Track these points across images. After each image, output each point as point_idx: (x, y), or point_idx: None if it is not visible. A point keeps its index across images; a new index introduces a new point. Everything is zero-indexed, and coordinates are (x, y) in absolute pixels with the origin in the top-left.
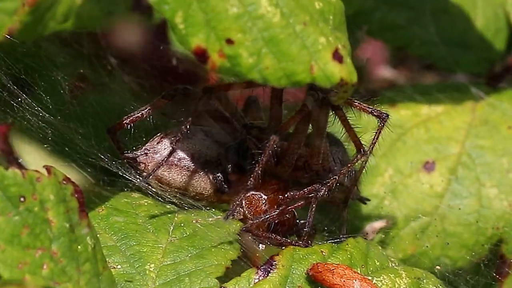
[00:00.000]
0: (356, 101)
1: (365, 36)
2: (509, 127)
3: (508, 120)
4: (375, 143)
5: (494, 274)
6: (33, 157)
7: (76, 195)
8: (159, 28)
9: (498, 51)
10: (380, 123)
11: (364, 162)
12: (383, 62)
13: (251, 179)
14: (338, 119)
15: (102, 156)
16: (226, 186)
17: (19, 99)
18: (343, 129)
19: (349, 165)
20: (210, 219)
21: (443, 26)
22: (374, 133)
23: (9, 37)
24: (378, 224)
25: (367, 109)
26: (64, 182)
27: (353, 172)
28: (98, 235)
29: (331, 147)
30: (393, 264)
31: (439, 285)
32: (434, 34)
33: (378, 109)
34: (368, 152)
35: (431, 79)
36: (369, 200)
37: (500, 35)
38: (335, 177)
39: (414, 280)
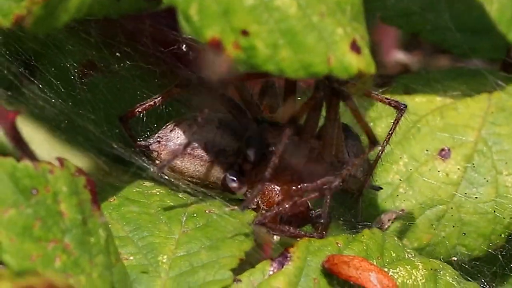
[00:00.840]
0: (373, 92)
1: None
2: None
3: None
4: (392, 133)
5: None
6: (45, 147)
7: (88, 187)
8: (168, 13)
9: None
10: (398, 114)
11: (380, 152)
12: (396, 46)
13: (269, 168)
14: (348, 110)
15: (115, 145)
16: (236, 180)
17: (31, 86)
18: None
19: (362, 156)
20: (226, 209)
21: (457, 12)
22: (392, 123)
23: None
24: (393, 213)
25: (385, 100)
26: (77, 174)
27: (367, 163)
28: (109, 226)
29: (347, 141)
30: (409, 255)
31: (456, 276)
32: (448, 20)
33: (396, 100)
34: (385, 143)
35: (445, 63)
36: (381, 188)
37: None
38: (348, 167)
39: (431, 271)
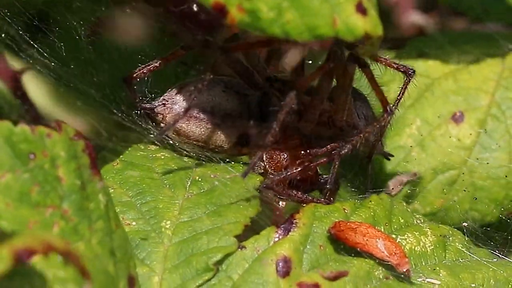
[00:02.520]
0: (381, 56)
1: None
2: None
3: None
4: (400, 99)
5: None
6: (46, 111)
7: (87, 151)
8: None
9: None
10: (406, 79)
11: (390, 118)
12: (412, 7)
13: (269, 135)
14: (364, 77)
15: (115, 110)
16: (245, 141)
17: (31, 50)
18: (369, 87)
19: (375, 124)
20: (230, 175)
21: None
22: (400, 88)
23: None
24: (405, 177)
25: (393, 64)
26: (75, 137)
27: (378, 127)
28: (112, 190)
29: (355, 102)
30: (418, 221)
31: (465, 243)
32: None
33: (404, 64)
34: (394, 108)
35: (461, 25)
36: (392, 155)
37: None
38: (360, 135)
39: (440, 237)
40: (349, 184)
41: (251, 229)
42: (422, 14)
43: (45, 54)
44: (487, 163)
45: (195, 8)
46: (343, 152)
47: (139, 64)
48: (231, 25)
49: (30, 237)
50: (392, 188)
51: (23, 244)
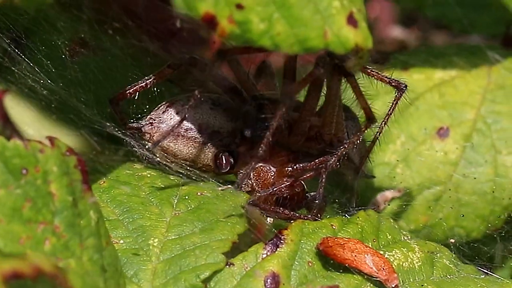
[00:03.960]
0: (373, 70)
1: None
2: None
3: None
4: (391, 114)
5: (511, 247)
6: (36, 127)
7: (79, 167)
8: None
9: None
10: (398, 94)
11: (377, 133)
12: (393, 21)
13: (261, 147)
14: (349, 86)
15: (108, 123)
16: (232, 161)
17: (21, 65)
18: (354, 96)
19: (359, 134)
20: (219, 189)
21: None
22: (390, 103)
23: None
24: (390, 193)
25: (385, 78)
26: (68, 153)
27: (364, 144)
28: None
29: (347, 121)
30: (405, 238)
31: (453, 259)
32: None
33: (396, 79)
34: (383, 123)
35: (443, 39)
36: (374, 177)
37: None
38: (345, 146)
39: (428, 254)
40: (336, 201)
41: (241, 243)
42: (403, 28)
43: (36, 69)
44: (474, 178)
45: (178, 24)
46: (329, 164)
47: (125, 85)
48: (221, 36)
49: (18, 260)
50: (379, 204)
51: (11, 267)
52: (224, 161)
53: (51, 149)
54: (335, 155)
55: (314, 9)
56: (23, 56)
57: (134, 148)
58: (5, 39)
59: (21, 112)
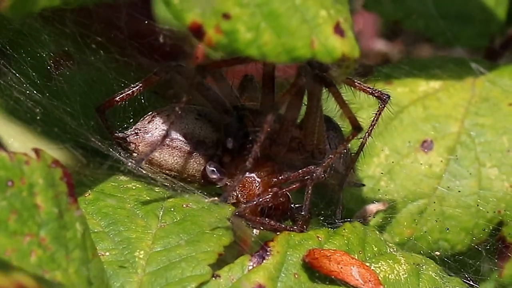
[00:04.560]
0: (356, 81)
1: (359, 7)
2: (509, 104)
3: (509, 96)
4: (374, 125)
5: (496, 260)
6: (21, 139)
7: (65, 179)
8: (144, 3)
9: (498, 24)
10: (381, 105)
11: (361, 145)
12: (376, 35)
13: (250, 157)
14: (331, 96)
15: (92, 138)
16: (216, 171)
17: (6, 77)
18: (337, 106)
19: (345, 143)
20: (206, 200)
21: None
22: (374, 114)
23: None
24: (375, 206)
25: (368, 89)
26: (53, 165)
27: (349, 155)
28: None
29: (329, 132)
30: (391, 250)
31: (439, 271)
32: (432, 7)
33: (379, 89)
34: (367, 135)
35: (426, 52)
36: (363, 185)
37: (499, 7)
38: (330, 156)
39: (414, 266)
40: (322, 213)
41: (227, 255)
42: (387, 41)
43: (22, 80)
44: (458, 191)
45: (161, 39)
46: (315, 175)
47: (109, 95)
48: (208, 46)
49: (1, 276)
50: (364, 217)
51: None
52: (215, 171)
53: (36, 161)
54: (321, 166)
55: (301, 18)
56: (8, 67)
57: (119, 163)
58: None
59: (5, 125)
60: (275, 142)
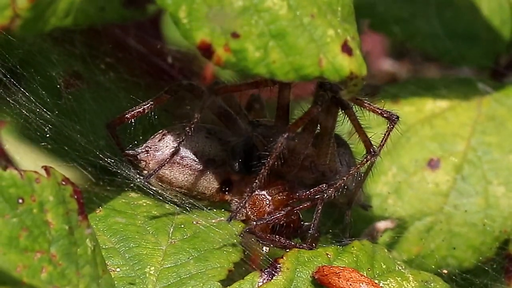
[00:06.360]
0: (365, 101)
1: (366, 28)
2: None
3: None
4: (383, 145)
5: (504, 279)
6: (31, 157)
7: (75, 196)
8: (152, 24)
9: (504, 43)
10: (390, 125)
11: (370, 165)
12: (384, 55)
13: (257, 180)
14: (348, 119)
15: (101, 155)
16: (227, 187)
17: (16, 96)
18: (353, 129)
19: (358, 166)
20: (213, 221)
21: (447, 18)
22: (383, 135)
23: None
24: (382, 224)
25: (377, 110)
26: (63, 183)
27: (359, 173)
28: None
29: (339, 149)
30: (399, 267)
31: None
32: (438, 27)
33: (388, 110)
34: (378, 151)
35: (433, 72)
36: (370, 206)
37: (505, 27)
38: (343, 178)
39: (422, 283)
40: (330, 231)
41: (236, 274)
42: (394, 61)
43: (32, 99)
44: (465, 210)
45: (170, 60)
46: (326, 196)
47: (119, 113)
48: (217, 65)
49: None
50: (372, 235)
51: None
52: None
53: (47, 179)
54: (332, 187)
55: (309, 37)
56: (18, 86)
57: (128, 177)
58: (1, 69)
59: (16, 143)
60: (287, 162)
